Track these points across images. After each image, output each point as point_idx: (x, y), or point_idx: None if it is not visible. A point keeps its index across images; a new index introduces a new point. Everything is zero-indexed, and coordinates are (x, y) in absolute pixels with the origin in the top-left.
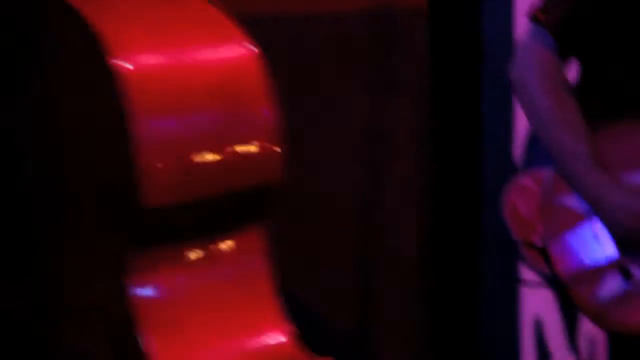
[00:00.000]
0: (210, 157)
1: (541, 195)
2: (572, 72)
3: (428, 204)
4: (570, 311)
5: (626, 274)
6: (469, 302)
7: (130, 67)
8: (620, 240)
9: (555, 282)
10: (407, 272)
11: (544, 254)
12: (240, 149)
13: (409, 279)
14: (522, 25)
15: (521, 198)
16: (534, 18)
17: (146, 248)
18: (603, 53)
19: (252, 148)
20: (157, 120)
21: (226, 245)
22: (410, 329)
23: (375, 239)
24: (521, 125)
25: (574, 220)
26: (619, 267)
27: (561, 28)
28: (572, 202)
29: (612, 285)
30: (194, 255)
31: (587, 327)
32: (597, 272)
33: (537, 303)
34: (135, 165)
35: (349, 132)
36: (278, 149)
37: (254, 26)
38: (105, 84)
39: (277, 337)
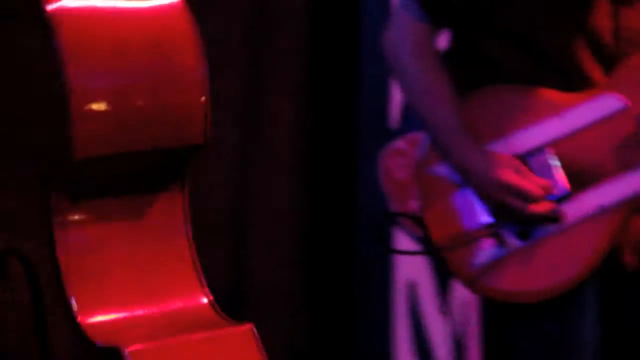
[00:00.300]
0: (140, 107)
1: (417, 161)
2: (444, 40)
3: (304, 171)
4: (443, 276)
5: (500, 241)
6: (344, 267)
7: (62, 12)
8: (492, 207)
9: (430, 248)
10: (284, 240)
11: (419, 220)
12: (170, 101)
13: (285, 248)
14: None
15: (397, 162)
16: None
17: (75, 202)
18: (472, 22)
19: (182, 100)
20: (89, 68)
21: (150, 203)
22: (287, 295)
23: (250, 208)
24: (397, 90)
25: (449, 187)
26: (493, 234)
27: None
28: (447, 170)
29: (485, 252)
30: (119, 211)
31: (460, 292)
32: (472, 239)
33: (410, 268)
34: (68, 115)
35: (226, 95)
36: (206, 103)
37: None
38: (41, 33)
39: (197, 300)
